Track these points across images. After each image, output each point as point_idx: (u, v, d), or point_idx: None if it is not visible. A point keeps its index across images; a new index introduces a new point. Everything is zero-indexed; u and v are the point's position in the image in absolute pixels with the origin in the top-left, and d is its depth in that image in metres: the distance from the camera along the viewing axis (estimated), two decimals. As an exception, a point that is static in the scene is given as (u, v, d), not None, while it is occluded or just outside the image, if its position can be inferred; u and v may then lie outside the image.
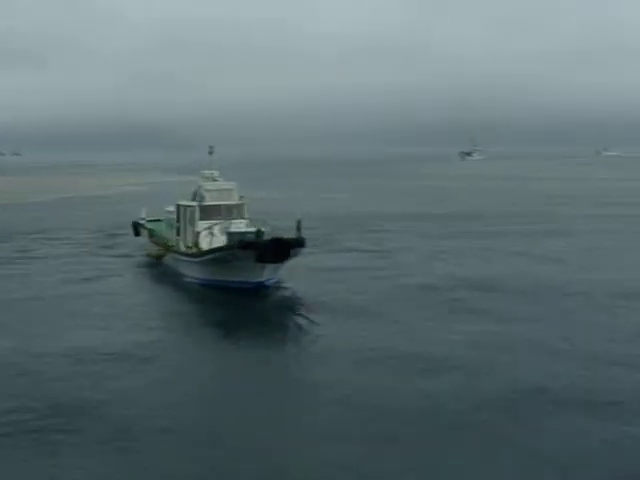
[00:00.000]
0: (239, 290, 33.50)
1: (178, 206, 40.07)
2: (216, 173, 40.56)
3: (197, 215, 37.62)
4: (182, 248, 38.24)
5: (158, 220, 46.03)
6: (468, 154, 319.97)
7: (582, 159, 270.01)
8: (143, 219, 47.68)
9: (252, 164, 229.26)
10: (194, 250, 36.44)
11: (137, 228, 47.57)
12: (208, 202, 38.05)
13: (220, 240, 35.92)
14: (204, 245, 36.42)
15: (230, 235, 34.72)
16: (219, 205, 38.16)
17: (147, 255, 42.28)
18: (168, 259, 40.26)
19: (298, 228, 34.04)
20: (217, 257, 34.47)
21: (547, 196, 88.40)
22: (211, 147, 41.02)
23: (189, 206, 38.61)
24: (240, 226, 35.87)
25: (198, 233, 36.89)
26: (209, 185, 38.98)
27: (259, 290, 33.63)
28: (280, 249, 32.67)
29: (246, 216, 38.41)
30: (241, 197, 39.30)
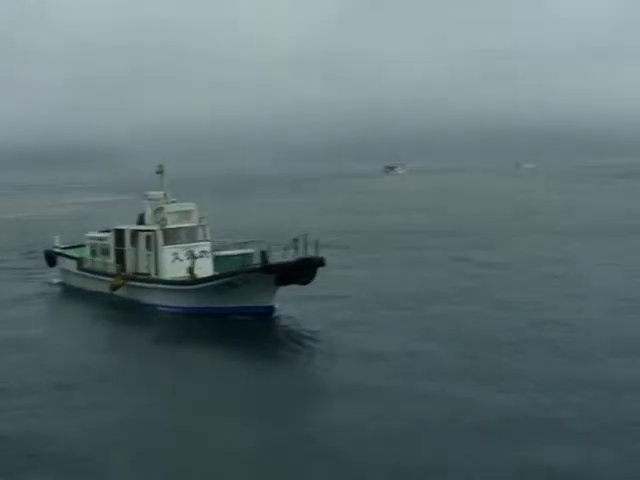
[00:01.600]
0: (245, 315, 31.61)
1: (120, 231, 37.81)
2: (160, 194, 37.84)
3: (160, 240, 35.70)
4: (153, 275, 35.91)
5: (77, 247, 43.24)
6: (392, 168, 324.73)
7: (499, 173, 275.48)
8: (57, 247, 44.26)
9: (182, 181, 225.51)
10: (185, 277, 34.28)
11: (52, 257, 43.87)
12: (170, 225, 36.21)
13: (185, 265, 34.84)
14: (170, 271, 34.89)
15: (218, 259, 33.59)
16: (182, 228, 36.42)
17: (111, 288, 37.01)
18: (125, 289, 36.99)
19: (317, 245, 30.94)
20: (228, 282, 32.28)
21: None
22: (160, 166, 38.19)
23: (145, 230, 36.45)
24: (228, 249, 35.01)
25: (162, 259, 35.19)
26: (170, 207, 36.98)
27: (270, 314, 31.97)
28: (311, 270, 30.82)
29: (208, 238, 36.99)
30: (201, 218, 37.63)
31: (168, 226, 35.95)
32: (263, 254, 31.69)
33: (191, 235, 36.47)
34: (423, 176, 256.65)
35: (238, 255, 34.46)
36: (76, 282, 41.40)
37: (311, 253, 30.89)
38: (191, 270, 34.28)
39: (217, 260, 34.17)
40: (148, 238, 36.03)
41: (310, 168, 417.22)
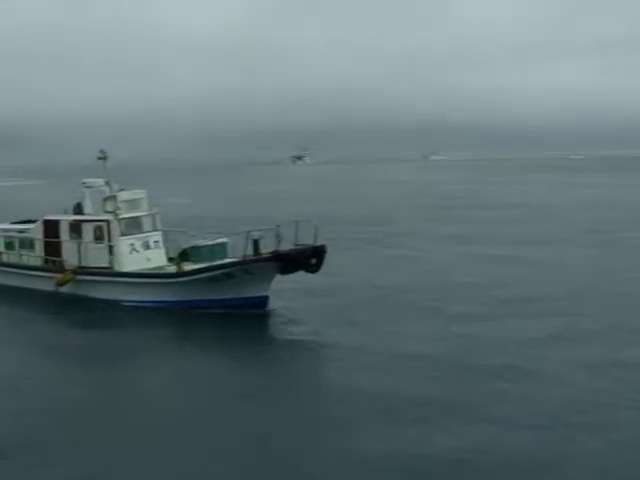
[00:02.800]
0: (238, 307, 29.88)
1: (51, 221, 34.95)
2: (100, 181, 34.76)
3: (116, 230, 32.77)
4: (117, 268, 32.72)
5: None
6: (299, 158, 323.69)
7: (407, 163, 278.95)
8: None
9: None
10: (172, 269, 31.59)
11: None
12: (125, 215, 33.41)
13: (144, 257, 32.63)
14: (128, 264, 32.34)
15: (196, 249, 31.96)
16: (136, 217, 33.73)
17: (58, 283, 33.47)
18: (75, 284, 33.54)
19: (316, 232, 29.93)
20: (227, 273, 30.14)
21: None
22: (103, 152, 34.95)
23: (94, 220, 33.47)
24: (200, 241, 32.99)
25: (119, 251, 32.48)
26: (123, 195, 34.11)
27: (264, 305, 30.52)
28: (321, 257, 30.00)
29: (159, 227, 34.58)
30: (152, 207, 35.04)
31: (122, 215, 33.26)
32: (255, 243, 29.96)
33: (145, 224, 34.01)
34: (328, 166, 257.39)
35: (216, 245, 32.39)
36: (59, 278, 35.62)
37: (306, 241, 30.18)
38: (179, 263, 31.49)
39: (195, 250, 32.07)
40: (99, 228, 33.03)
41: (219, 155, 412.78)
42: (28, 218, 39.08)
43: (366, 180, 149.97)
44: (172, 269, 31.92)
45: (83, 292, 33.24)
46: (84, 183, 35.34)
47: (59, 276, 33.46)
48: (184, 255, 33.87)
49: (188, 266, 31.36)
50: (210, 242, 32.96)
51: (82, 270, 33.33)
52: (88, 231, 33.44)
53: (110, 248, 32.91)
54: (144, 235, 33.61)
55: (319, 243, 30.17)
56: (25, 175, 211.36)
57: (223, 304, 30.17)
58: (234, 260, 30.65)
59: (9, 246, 37.21)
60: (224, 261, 31.21)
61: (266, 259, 29.69)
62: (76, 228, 33.96)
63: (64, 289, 33.47)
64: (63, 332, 29.51)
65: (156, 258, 33.74)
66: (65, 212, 35.94)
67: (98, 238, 33.16)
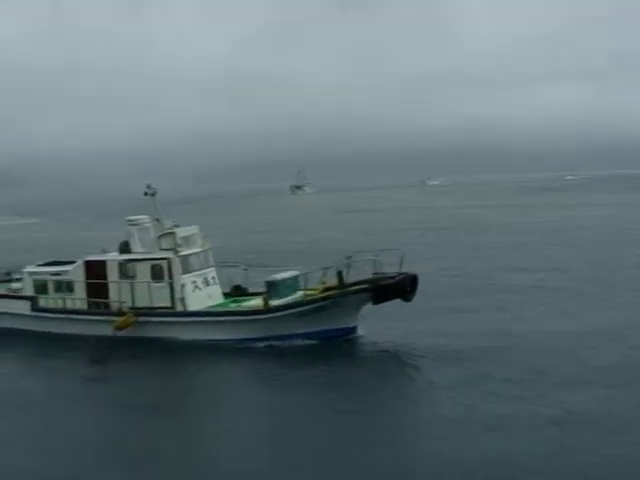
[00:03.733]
0: (331, 338, 30.02)
1: (96, 262, 33.32)
2: (145, 218, 34.26)
3: (178, 268, 31.78)
4: (181, 307, 31.68)
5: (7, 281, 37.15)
6: (299, 187, 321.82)
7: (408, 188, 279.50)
8: None
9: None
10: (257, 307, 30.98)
11: None
12: (184, 252, 32.45)
13: (205, 294, 32.13)
14: (194, 302, 31.59)
15: (274, 285, 31.13)
16: (195, 254, 32.96)
17: (117, 327, 31.78)
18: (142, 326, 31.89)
19: (402, 261, 30.42)
20: (318, 307, 29.89)
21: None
22: (150, 187, 33.99)
23: (152, 259, 32.24)
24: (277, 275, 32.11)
25: (184, 290, 31.52)
26: (181, 231, 33.16)
27: (353, 334, 30.84)
28: (415, 286, 30.28)
29: (213, 263, 33.95)
30: (204, 242, 34.25)
31: (182, 253, 32.30)
32: (339, 274, 29.97)
33: (203, 261, 33.29)
34: (329, 195, 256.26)
35: (290, 279, 31.90)
36: (33, 326, 34.29)
37: (385, 270, 30.37)
38: (266, 300, 30.75)
39: (273, 286, 31.13)
40: (158, 267, 31.89)
41: (215, 187, 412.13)
42: (54, 259, 37.48)
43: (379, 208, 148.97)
44: (255, 305, 31.05)
45: (148, 334, 31.60)
46: (130, 221, 34.08)
47: (121, 319, 31.64)
48: (238, 290, 33.28)
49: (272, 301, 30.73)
50: (285, 275, 32.08)
51: (150, 311, 31.85)
52: (144, 270, 32.23)
53: (171, 287, 31.73)
54: (203, 272, 32.93)
55: (404, 271, 30.08)
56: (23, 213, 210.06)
57: (307, 337, 29.87)
58: (330, 293, 30.05)
59: (41, 289, 34.69)
60: (318, 295, 30.54)
61: (363, 290, 29.51)
62: (128, 268, 32.62)
63: (122, 333, 31.68)
64: (169, 383, 27.59)
65: (215, 295, 33.05)
66: (104, 251, 34.57)
67: (157, 277, 32.00)
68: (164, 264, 31.94)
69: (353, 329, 30.77)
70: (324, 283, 31.60)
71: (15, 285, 36.47)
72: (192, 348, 30.40)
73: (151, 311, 31.83)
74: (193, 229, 34.03)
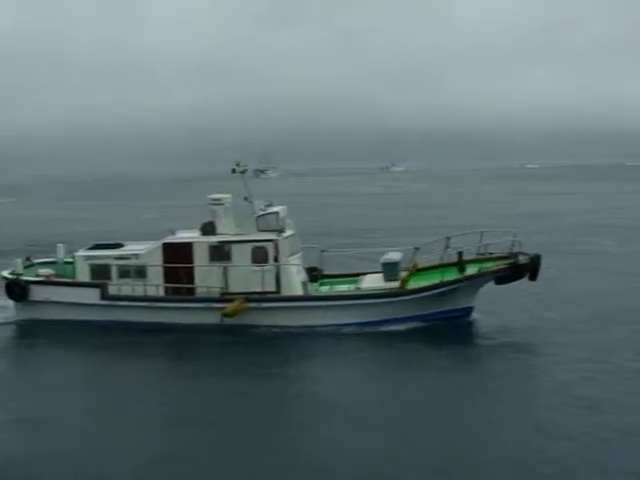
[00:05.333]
0: (452, 319, 29.90)
1: (178, 244, 30.85)
2: (227, 197, 31.98)
3: (285, 251, 30.38)
4: (286, 291, 30.27)
5: (42, 263, 33.73)
6: (262, 171, 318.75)
7: (364, 175, 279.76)
8: (15, 272, 32.24)
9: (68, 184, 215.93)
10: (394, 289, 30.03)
11: (20, 287, 31.52)
12: (287, 233, 31.16)
13: (301, 278, 30.84)
14: (298, 286, 30.30)
15: (388, 265, 30.46)
16: (294, 235, 31.77)
17: (226, 314, 29.32)
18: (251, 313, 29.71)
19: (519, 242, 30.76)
20: (455, 287, 29.75)
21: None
22: (240, 164, 31.97)
23: (254, 241, 30.39)
24: (391, 255, 31.21)
25: (288, 273, 30.36)
26: (282, 211, 31.71)
27: (469, 315, 30.71)
28: (539, 265, 30.15)
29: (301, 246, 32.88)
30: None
31: (286, 234, 31.02)
32: (460, 254, 30.30)
33: (297, 244, 32.13)
34: (297, 180, 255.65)
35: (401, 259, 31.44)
36: (105, 316, 30.85)
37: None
38: (404, 280, 30.14)
39: (391, 266, 30.57)
40: (261, 250, 30.37)
41: (178, 170, 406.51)
42: (99, 242, 34.43)
43: (350, 192, 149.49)
44: (392, 287, 30.10)
45: (257, 321, 29.66)
46: (215, 200, 31.75)
47: (231, 305, 29.21)
48: (314, 272, 32.30)
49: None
50: (399, 256, 31.23)
51: (262, 297, 30.04)
52: (243, 253, 30.35)
53: (277, 270, 30.30)
54: (297, 255, 31.65)
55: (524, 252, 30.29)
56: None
57: (430, 319, 29.48)
58: (472, 273, 29.90)
59: (100, 275, 31.14)
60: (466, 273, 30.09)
61: (504, 269, 29.62)
62: (222, 250, 30.73)
63: (231, 320, 29.40)
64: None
65: (304, 279, 31.68)
66: (171, 232, 32.22)
67: (259, 260, 30.33)
68: (269, 246, 30.26)
69: (472, 309, 30.54)
70: (414, 265, 30.91)
71: (42, 271, 32.91)
72: (315, 335, 29.18)
73: (262, 296, 30.03)
74: (284, 209, 32.48)
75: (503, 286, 30.34)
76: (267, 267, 30.21)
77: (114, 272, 31.21)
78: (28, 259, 34.13)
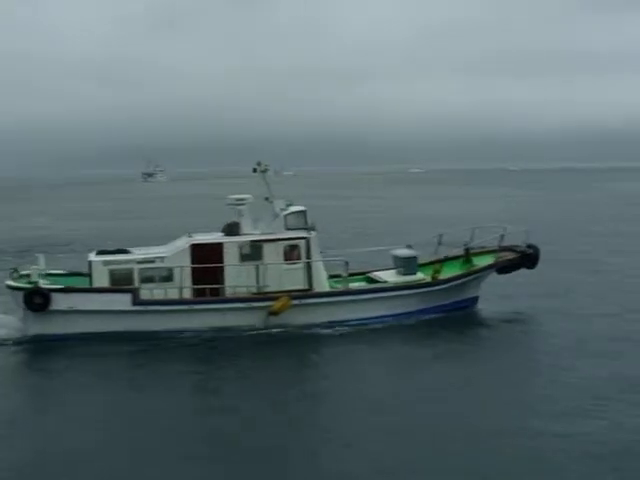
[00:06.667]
0: (461, 309, 31.99)
1: (206, 245, 29.96)
2: (249, 197, 31.68)
3: (316, 248, 30.78)
4: (317, 288, 30.51)
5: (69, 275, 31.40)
6: (150, 175, 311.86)
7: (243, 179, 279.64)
8: (32, 280, 29.30)
9: None
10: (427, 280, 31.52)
11: (43, 296, 28.58)
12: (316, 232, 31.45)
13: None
14: (325, 282, 30.78)
15: (397, 259, 32.13)
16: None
17: (272, 312, 29.14)
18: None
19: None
20: (478, 277, 32.29)
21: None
22: (261, 164, 31.91)
23: (286, 239, 30.27)
24: (403, 251, 32.83)
25: (319, 271, 30.80)
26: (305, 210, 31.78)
27: (475, 305, 32.85)
28: (539, 255, 33.01)
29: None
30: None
31: (315, 232, 30.99)
32: (467, 250, 32.57)
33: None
34: (186, 183, 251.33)
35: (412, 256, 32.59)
36: (137, 325, 28.87)
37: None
38: (436, 272, 31.62)
39: (410, 261, 31.94)
40: (294, 248, 30.34)
41: (70, 173, 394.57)
42: (111, 247, 32.99)
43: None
44: (420, 278, 31.48)
45: (308, 320, 29.51)
46: (239, 200, 31.31)
47: (277, 303, 28.97)
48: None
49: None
50: (408, 253, 32.36)
51: (304, 294, 30.05)
52: (274, 251, 30.16)
53: (308, 267, 30.35)
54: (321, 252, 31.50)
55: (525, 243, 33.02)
56: None
57: (444, 310, 31.31)
58: (490, 263, 32.29)
59: (120, 281, 29.39)
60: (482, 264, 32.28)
61: (514, 260, 32.34)
62: (253, 249, 30.22)
63: (276, 319, 29.19)
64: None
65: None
66: (189, 235, 31.14)
67: (292, 258, 30.25)
68: (302, 244, 30.26)
69: (477, 299, 32.62)
70: (445, 256, 32.68)
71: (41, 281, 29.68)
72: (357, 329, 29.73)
73: (305, 294, 30.03)
74: (304, 209, 32.15)
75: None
76: (299, 265, 30.22)
77: (136, 277, 29.66)
78: (15, 270, 30.94)
